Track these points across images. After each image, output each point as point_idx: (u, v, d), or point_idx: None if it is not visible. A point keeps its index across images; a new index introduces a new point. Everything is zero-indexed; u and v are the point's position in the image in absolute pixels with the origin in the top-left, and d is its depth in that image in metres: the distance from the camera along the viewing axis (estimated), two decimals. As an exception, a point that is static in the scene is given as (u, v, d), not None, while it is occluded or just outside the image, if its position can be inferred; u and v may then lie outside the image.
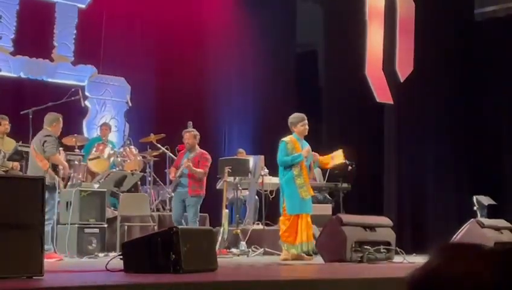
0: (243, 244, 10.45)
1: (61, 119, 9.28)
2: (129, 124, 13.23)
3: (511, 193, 14.18)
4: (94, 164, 11.18)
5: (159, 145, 11.70)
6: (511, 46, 14.21)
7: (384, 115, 14.59)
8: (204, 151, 10.29)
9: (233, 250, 10.41)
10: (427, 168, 14.69)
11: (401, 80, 14.49)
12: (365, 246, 8.55)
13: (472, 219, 10.06)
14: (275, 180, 10.72)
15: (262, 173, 11.50)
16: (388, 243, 8.90)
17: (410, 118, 14.63)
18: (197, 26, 14.08)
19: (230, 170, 10.74)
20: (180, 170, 10.10)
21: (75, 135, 11.42)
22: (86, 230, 9.51)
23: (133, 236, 9.65)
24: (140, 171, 11.42)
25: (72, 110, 12.13)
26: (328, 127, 14.79)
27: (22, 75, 12.44)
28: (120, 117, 13.40)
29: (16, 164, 9.75)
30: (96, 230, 9.60)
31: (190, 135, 10.27)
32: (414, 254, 9.85)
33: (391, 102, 14.39)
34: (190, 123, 10.77)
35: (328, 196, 12.64)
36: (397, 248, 8.97)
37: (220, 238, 10.07)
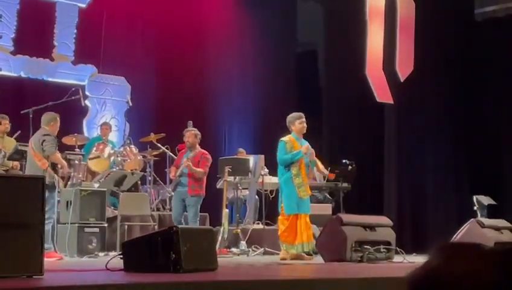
0: (243, 244, 10.46)
1: (58, 118, 9.28)
2: (129, 123, 13.24)
3: (511, 192, 14.17)
4: (94, 164, 11.19)
5: (159, 145, 11.70)
6: (511, 46, 14.21)
7: (385, 114, 14.59)
8: (205, 151, 10.28)
9: (234, 250, 10.41)
10: (427, 168, 14.69)
11: (402, 80, 14.49)
12: (365, 246, 8.55)
13: (472, 219, 10.07)
14: (275, 179, 10.72)
15: (263, 173, 11.51)
16: (388, 243, 8.90)
17: (411, 118, 14.63)
18: (197, 25, 14.08)
19: (230, 170, 10.74)
20: (180, 169, 10.10)
21: (75, 134, 11.42)
22: (86, 229, 9.51)
23: (133, 235, 9.66)
24: (140, 171, 11.42)
25: (72, 110, 12.14)
26: (328, 127, 14.80)
27: (22, 75, 12.45)
28: (120, 117, 13.41)
29: (16, 163, 9.75)
30: (97, 229, 9.61)
31: (191, 133, 10.27)
32: (414, 254, 9.85)
33: (391, 102, 14.39)
34: (190, 123, 10.78)
35: (328, 196, 12.65)
36: (397, 248, 8.97)
37: (220, 238, 10.07)
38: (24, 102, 11.26)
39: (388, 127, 14.60)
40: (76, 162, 10.59)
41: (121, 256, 5.88)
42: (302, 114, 9.41)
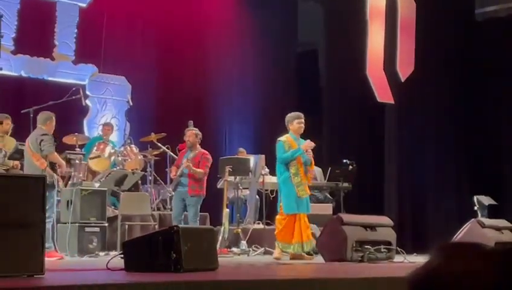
0: (243, 244, 10.46)
1: (54, 117, 9.27)
2: (130, 123, 13.24)
3: (511, 193, 14.18)
4: (95, 163, 11.19)
5: (159, 145, 11.71)
6: (511, 46, 14.21)
7: (385, 114, 14.59)
8: (205, 151, 10.28)
9: (234, 249, 10.41)
10: (427, 168, 14.69)
11: (402, 80, 14.49)
12: (366, 246, 8.55)
13: (473, 219, 10.07)
14: (275, 179, 10.70)
15: (263, 173, 11.51)
16: (389, 243, 8.90)
17: (411, 118, 14.63)
18: (198, 25, 14.08)
19: (231, 169, 10.74)
20: (180, 170, 10.10)
21: (76, 133, 11.42)
22: (87, 229, 9.52)
23: (134, 235, 9.66)
24: (141, 171, 11.42)
25: (72, 109, 12.15)
26: (328, 127, 14.80)
27: (23, 74, 12.45)
28: (121, 116, 13.41)
29: (17, 163, 9.75)
30: (97, 229, 9.61)
31: (191, 133, 10.27)
32: (415, 254, 9.85)
33: (392, 102, 14.40)
34: (191, 122, 10.78)
35: (328, 196, 12.65)
36: (398, 248, 8.97)
37: (220, 238, 10.07)
38: (24, 101, 11.26)
39: (389, 127, 14.60)
40: (77, 161, 10.59)
41: (122, 256, 5.88)
42: (300, 114, 9.40)
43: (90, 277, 5.54)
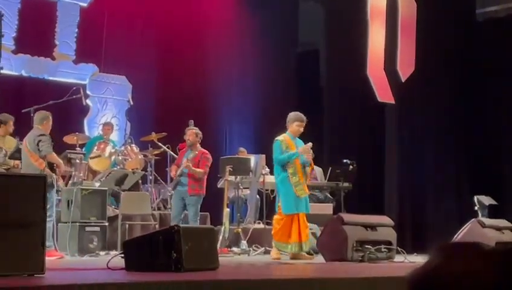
0: (243, 243, 10.46)
1: (50, 117, 9.26)
2: (130, 122, 13.25)
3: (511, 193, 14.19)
4: (95, 163, 11.20)
5: (160, 144, 11.71)
6: (511, 47, 14.20)
7: (386, 114, 14.59)
8: (206, 151, 10.28)
9: (234, 249, 10.41)
10: (428, 168, 14.69)
11: (403, 80, 14.49)
12: (366, 246, 8.56)
13: (473, 219, 10.07)
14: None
15: (263, 172, 11.52)
16: (389, 243, 8.90)
17: (411, 118, 14.63)
18: (199, 25, 14.08)
19: (231, 169, 10.74)
20: (180, 169, 10.10)
21: (77, 133, 11.43)
22: (87, 228, 9.52)
23: (134, 235, 9.67)
24: (141, 170, 11.43)
25: (73, 109, 12.17)
26: (329, 127, 14.79)
27: (24, 74, 12.46)
28: (121, 116, 13.41)
29: (17, 162, 9.75)
30: (97, 228, 9.61)
31: (192, 132, 10.27)
32: (415, 254, 9.85)
33: (392, 102, 14.39)
34: (191, 122, 10.78)
35: (329, 195, 12.65)
36: (398, 248, 8.98)
37: (221, 237, 10.07)
38: (25, 101, 11.27)
39: (389, 127, 14.60)
40: (78, 161, 10.59)
41: (122, 255, 5.88)
42: (303, 118, 9.32)
43: (91, 277, 5.54)
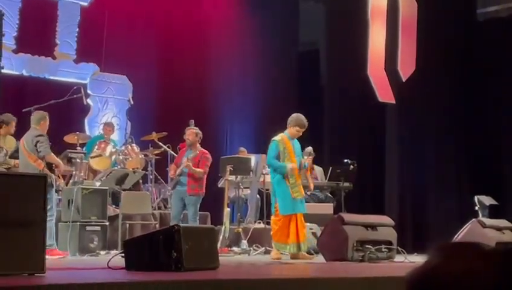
0: (244, 243, 10.46)
1: (47, 117, 9.26)
2: (131, 122, 13.23)
3: (512, 193, 14.19)
4: (96, 162, 11.20)
5: (160, 144, 11.71)
6: (512, 47, 14.22)
7: (386, 114, 14.59)
8: (205, 151, 10.28)
9: (235, 249, 10.41)
10: (428, 167, 14.69)
11: (403, 80, 14.49)
12: (367, 245, 8.56)
13: (473, 219, 10.07)
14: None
15: (264, 172, 11.51)
16: (389, 243, 8.90)
17: (412, 118, 14.62)
18: (199, 25, 14.08)
19: (231, 169, 10.74)
20: (180, 169, 10.10)
21: (77, 132, 11.42)
22: (88, 228, 9.52)
23: (135, 234, 9.67)
24: (142, 170, 11.43)
25: (74, 108, 12.17)
26: (329, 127, 14.79)
27: (24, 73, 12.46)
28: (122, 115, 13.41)
29: (18, 162, 9.74)
30: (98, 228, 9.61)
31: (191, 132, 10.27)
32: (415, 254, 9.85)
33: (393, 102, 14.39)
34: (192, 121, 10.78)
35: (329, 195, 12.65)
36: (398, 247, 8.98)
37: (221, 237, 10.07)
38: (26, 100, 11.27)
39: (389, 126, 14.60)
40: (78, 160, 10.59)
41: (123, 255, 5.89)
42: (305, 124, 9.24)
43: (91, 276, 5.55)
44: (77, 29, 13.11)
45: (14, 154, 9.67)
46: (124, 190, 10.64)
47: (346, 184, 12.46)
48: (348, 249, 8.40)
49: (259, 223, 11.57)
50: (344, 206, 12.05)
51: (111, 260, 5.79)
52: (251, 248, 10.39)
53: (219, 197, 11.08)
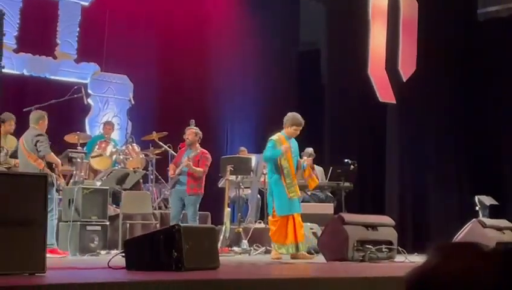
0: (244, 243, 10.46)
1: (46, 116, 9.26)
2: (131, 122, 13.23)
3: (512, 193, 14.19)
4: (96, 162, 11.20)
5: (161, 143, 11.71)
6: (513, 47, 14.21)
7: (387, 114, 14.59)
8: (205, 151, 10.28)
9: (235, 248, 10.42)
10: (428, 167, 14.69)
11: (404, 80, 14.49)
12: (367, 245, 8.56)
13: (474, 219, 10.07)
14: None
15: (264, 172, 11.49)
16: (390, 243, 8.90)
17: (412, 118, 14.62)
18: (200, 24, 14.09)
19: (232, 169, 10.75)
20: (179, 168, 10.10)
21: (78, 132, 11.43)
22: (88, 227, 9.52)
23: (135, 234, 9.67)
24: (142, 169, 11.43)
25: (74, 108, 12.18)
26: (330, 126, 14.80)
27: (25, 73, 12.46)
28: (122, 115, 13.41)
29: (18, 161, 9.76)
30: (98, 228, 9.61)
31: (191, 131, 10.27)
32: (416, 254, 9.85)
33: (393, 101, 14.39)
34: (192, 121, 10.78)
35: (330, 195, 12.66)
36: (399, 247, 8.98)
37: (221, 237, 10.07)
38: (26, 100, 11.27)
39: (390, 126, 14.60)
40: (79, 160, 10.59)
41: (123, 254, 5.89)
42: (302, 122, 9.22)
43: (92, 276, 5.55)
44: (78, 29, 13.11)
45: (15, 154, 9.68)
46: (125, 189, 10.64)
47: (347, 184, 12.46)
48: (348, 249, 8.40)
49: (260, 223, 11.57)
50: (344, 206, 12.06)
51: (111, 259, 5.79)
52: (251, 248, 10.39)
53: (219, 197, 11.08)
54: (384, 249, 8.73)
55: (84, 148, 11.26)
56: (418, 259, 8.30)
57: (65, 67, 12.91)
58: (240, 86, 14.65)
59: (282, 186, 9.09)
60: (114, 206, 10.52)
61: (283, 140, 9.23)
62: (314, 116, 14.49)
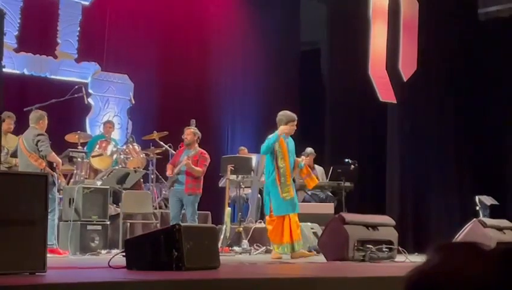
0: (245, 243, 10.46)
1: (46, 116, 9.27)
2: (132, 121, 13.24)
3: (513, 193, 14.18)
4: (97, 161, 11.20)
5: (161, 143, 11.71)
6: (514, 46, 14.21)
7: (387, 114, 14.58)
8: (204, 151, 10.28)
9: (236, 248, 10.41)
10: (429, 167, 14.68)
11: (405, 80, 14.47)
12: (367, 245, 8.56)
13: (474, 219, 10.07)
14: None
15: (265, 171, 11.51)
16: (390, 242, 8.90)
17: (413, 118, 14.62)
18: (201, 24, 14.09)
19: (232, 168, 10.75)
20: (178, 167, 10.10)
21: (78, 132, 11.43)
22: (89, 227, 9.52)
23: (135, 233, 9.68)
24: (143, 169, 11.43)
25: (75, 107, 12.17)
26: (331, 126, 14.80)
27: (26, 72, 12.46)
28: (123, 114, 13.41)
29: (19, 161, 9.76)
30: (99, 227, 9.62)
31: (190, 131, 10.28)
32: (416, 253, 9.85)
33: (394, 101, 14.38)
34: (193, 121, 10.78)
35: (330, 195, 12.66)
36: (399, 247, 8.98)
37: (222, 236, 10.07)
38: (27, 99, 11.28)
39: (391, 126, 14.59)
40: (79, 159, 10.60)
41: (124, 254, 5.89)
42: (295, 116, 9.31)
43: (92, 275, 5.55)
44: (78, 29, 13.11)
45: (15, 153, 9.68)
46: (125, 189, 10.64)
47: (347, 184, 12.47)
48: (348, 249, 8.40)
49: (260, 222, 11.56)
50: (345, 206, 12.06)
51: (112, 259, 5.80)
52: (252, 248, 10.39)
53: (220, 196, 11.07)
54: (384, 249, 8.74)
55: (85, 148, 11.26)
56: (418, 259, 8.29)
57: (66, 67, 12.90)
58: (241, 85, 14.65)
59: (277, 186, 9.10)
60: (114, 205, 10.52)
61: (281, 140, 9.23)
62: (315, 115, 14.51)
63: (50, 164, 9.07)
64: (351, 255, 8.40)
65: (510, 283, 1.33)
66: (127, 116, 12.91)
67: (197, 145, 10.25)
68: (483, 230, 9.48)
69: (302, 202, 11.62)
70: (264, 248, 10.32)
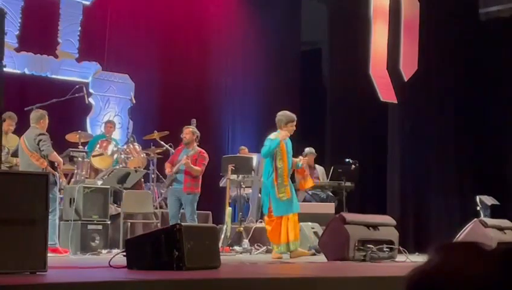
0: (245, 242, 10.46)
1: (47, 115, 9.27)
2: (133, 121, 13.24)
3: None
4: (97, 161, 11.20)
5: (162, 143, 11.71)
6: (515, 46, 14.20)
7: (388, 114, 14.58)
8: (203, 150, 10.28)
9: (236, 248, 10.41)
10: (430, 167, 14.68)
11: (405, 80, 14.47)
12: (368, 245, 8.56)
13: (475, 219, 10.06)
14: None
15: (266, 171, 11.51)
16: (391, 242, 8.90)
17: (414, 118, 14.61)
18: (202, 23, 14.09)
19: (233, 168, 10.75)
20: (177, 166, 10.10)
21: (79, 131, 11.43)
22: (89, 227, 9.53)
23: (136, 233, 9.68)
24: (143, 169, 11.44)
25: (76, 107, 12.17)
26: (331, 126, 14.80)
27: (26, 72, 12.47)
28: (124, 114, 13.41)
29: (19, 160, 9.77)
30: (99, 227, 9.62)
31: (188, 130, 10.27)
32: (417, 253, 9.85)
33: (395, 101, 14.38)
34: (194, 121, 10.78)
35: (331, 195, 12.66)
36: (400, 247, 8.98)
37: (222, 236, 10.08)
38: (28, 99, 11.28)
39: (391, 126, 14.59)
40: (80, 159, 10.60)
41: (124, 253, 5.89)
42: (294, 117, 9.32)
43: (93, 275, 5.55)
44: (79, 28, 13.11)
45: (16, 153, 9.69)
46: (126, 188, 10.64)
47: (348, 184, 12.47)
48: (349, 249, 8.40)
49: (261, 222, 11.55)
50: (345, 206, 12.06)
51: (112, 258, 5.80)
52: (252, 247, 10.39)
53: (221, 196, 11.07)
54: (385, 249, 8.74)
55: (86, 148, 11.26)
56: (419, 259, 8.29)
57: (66, 67, 12.91)
58: (241, 85, 14.65)
59: (275, 186, 9.10)
60: (115, 205, 10.52)
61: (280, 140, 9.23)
62: (316, 115, 14.52)
63: (51, 164, 9.08)
64: (351, 255, 8.40)
65: (511, 283, 1.34)
66: (128, 116, 12.92)
67: (196, 144, 10.25)
68: (484, 230, 9.47)
69: (303, 201, 11.62)
70: (265, 247, 10.32)
